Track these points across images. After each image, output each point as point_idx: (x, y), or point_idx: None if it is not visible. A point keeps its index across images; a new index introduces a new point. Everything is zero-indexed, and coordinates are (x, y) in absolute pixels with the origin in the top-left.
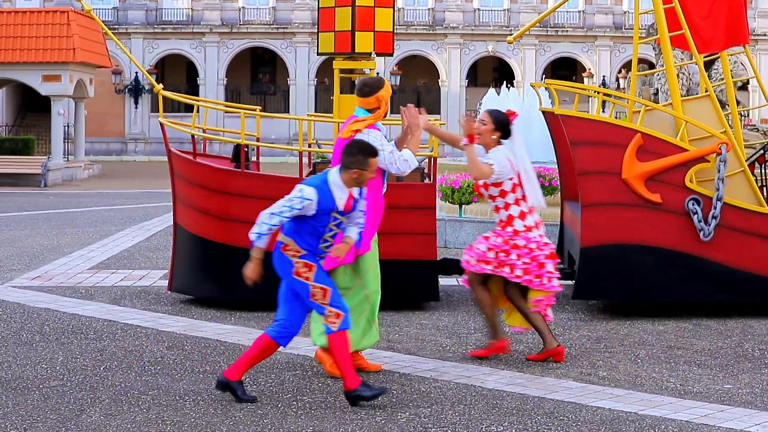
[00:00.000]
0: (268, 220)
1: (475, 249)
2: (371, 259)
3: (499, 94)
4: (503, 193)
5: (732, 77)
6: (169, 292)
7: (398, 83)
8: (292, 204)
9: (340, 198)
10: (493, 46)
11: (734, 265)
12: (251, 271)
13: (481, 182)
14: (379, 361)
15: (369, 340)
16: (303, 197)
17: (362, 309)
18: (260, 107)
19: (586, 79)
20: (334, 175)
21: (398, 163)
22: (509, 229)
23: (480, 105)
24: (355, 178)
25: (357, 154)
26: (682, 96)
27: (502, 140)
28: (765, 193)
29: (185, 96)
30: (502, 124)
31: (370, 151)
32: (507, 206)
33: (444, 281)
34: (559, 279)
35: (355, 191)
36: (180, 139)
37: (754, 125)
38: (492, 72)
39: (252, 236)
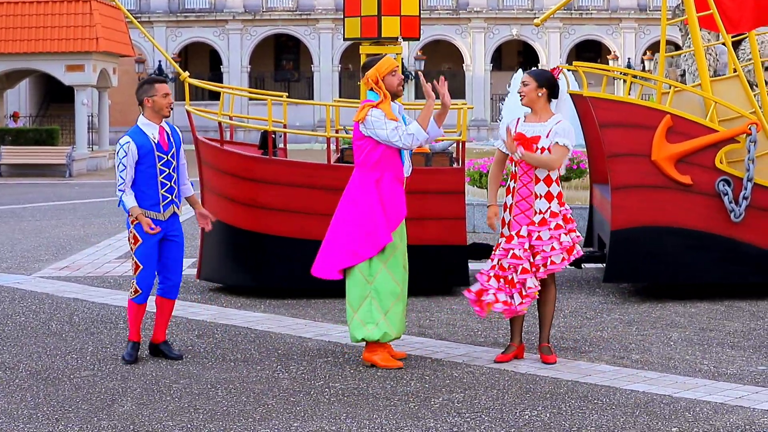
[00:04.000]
0: (117, 185)
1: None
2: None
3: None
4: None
5: (760, 57)
6: (198, 280)
7: (423, 68)
8: (119, 157)
9: (152, 134)
10: (518, 29)
11: (766, 245)
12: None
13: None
14: (411, 347)
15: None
16: (121, 144)
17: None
18: (286, 94)
19: (611, 62)
20: (140, 118)
21: (402, 139)
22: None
23: (509, 87)
24: (151, 107)
25: (142, 85)
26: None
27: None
28: None
29: (212, 83)
30: (548, 81)
31: (155, 79)
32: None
33: (474, 266)
34: None
35: (166, 126)
36: (204, 127)
37: None
38: (516, 56)
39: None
